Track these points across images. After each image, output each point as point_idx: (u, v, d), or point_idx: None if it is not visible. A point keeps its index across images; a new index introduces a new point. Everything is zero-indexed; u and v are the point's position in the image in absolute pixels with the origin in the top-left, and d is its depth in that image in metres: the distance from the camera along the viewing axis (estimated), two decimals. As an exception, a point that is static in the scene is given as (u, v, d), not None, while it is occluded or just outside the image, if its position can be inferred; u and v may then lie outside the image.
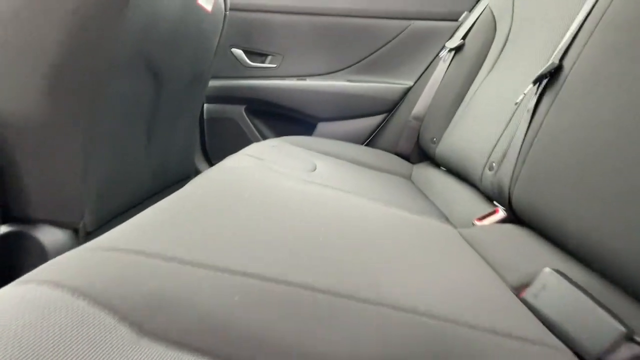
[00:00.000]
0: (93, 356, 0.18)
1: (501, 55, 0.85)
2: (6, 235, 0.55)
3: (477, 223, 0.54)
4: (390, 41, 1.17)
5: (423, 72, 1.17)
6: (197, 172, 1.17)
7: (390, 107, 1.17)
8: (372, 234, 0.42)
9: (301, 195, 0.49)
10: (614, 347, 0.27)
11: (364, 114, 1.18)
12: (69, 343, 0.18)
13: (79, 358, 0.17)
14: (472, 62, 0.94)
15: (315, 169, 0.72)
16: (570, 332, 0.29)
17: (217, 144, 1.21)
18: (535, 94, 0.53)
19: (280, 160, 0.71)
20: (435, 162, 0.97)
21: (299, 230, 0.37)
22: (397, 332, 0.25)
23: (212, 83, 1.17)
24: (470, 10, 1.11)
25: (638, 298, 0.32)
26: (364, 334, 0.24)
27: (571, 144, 0.43)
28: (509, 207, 0.52)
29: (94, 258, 0.25)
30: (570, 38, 0.51)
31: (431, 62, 1.17)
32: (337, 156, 0.94)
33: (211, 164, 1.22)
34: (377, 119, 1.18)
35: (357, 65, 1.20)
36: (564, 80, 0.49)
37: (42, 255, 0.57)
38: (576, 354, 0.29)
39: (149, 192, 0.84)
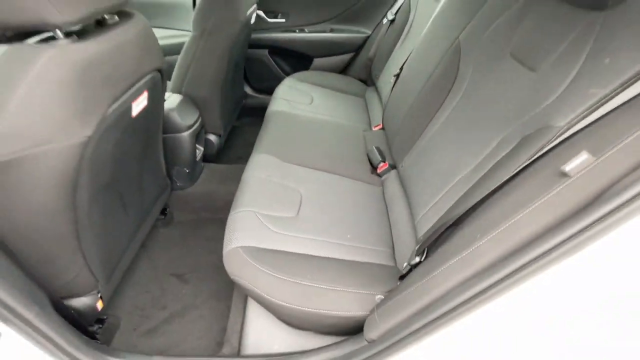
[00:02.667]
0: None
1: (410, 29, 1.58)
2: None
3: (374, 129, 1.45)
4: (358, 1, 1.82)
5: (377, 24, 1.86)
6: (245, 94, 2.00)
7: (356, 48, 1.91)
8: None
9: (305, 121, 1.39)
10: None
11: (340, 52, 1.93)
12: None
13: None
14: (399, 30, 1.65)
15: (312, 102, 1.58)
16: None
17: (253, 75, 1.99)
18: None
19: (295, 98, 1.55)
20: (377, 89, 1.79)
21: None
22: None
23: (247, 36, 1.87)
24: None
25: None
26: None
27: (405, 88, 1.29)
28: (382, 120, 1.41)
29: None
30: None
31: (380, 20, 1.84)
32: (324, 86, 1.76)
33: (251, 86, 2.03)
34: (348, 56, 1.93)
35: (336, 17, 1.87)
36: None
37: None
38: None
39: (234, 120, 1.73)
